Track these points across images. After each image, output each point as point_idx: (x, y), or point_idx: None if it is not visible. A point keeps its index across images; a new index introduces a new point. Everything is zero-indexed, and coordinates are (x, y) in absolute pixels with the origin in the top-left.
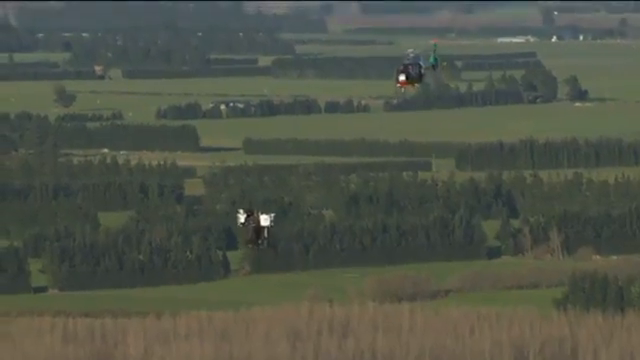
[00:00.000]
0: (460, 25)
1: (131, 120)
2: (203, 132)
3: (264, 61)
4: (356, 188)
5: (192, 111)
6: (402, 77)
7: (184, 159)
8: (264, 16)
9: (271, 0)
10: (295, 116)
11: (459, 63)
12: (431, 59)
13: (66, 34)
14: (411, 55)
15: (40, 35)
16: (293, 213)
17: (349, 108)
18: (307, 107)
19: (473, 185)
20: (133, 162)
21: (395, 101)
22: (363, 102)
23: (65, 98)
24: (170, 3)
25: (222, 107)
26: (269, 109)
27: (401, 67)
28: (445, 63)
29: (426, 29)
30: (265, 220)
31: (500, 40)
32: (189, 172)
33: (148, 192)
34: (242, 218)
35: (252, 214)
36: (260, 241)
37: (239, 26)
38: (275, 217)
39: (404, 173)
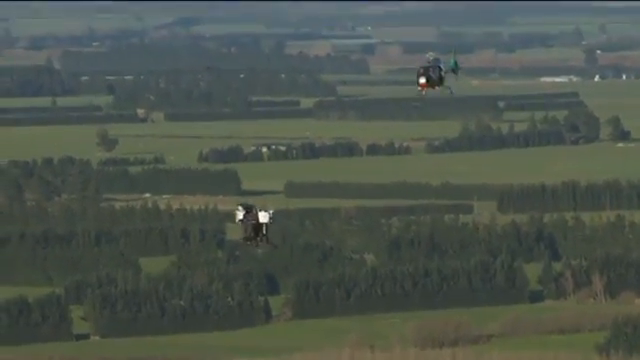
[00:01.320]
0: (502, 64)
1: (173, 164)
2: (245, 175)
3: (306, 103)
4: (397, 232)
5: (234, 154)
6: (422, 80)
7: (225, 203)
8: (306, 57)
9: (313, 40)
10: (337, 159)
11: (501, 103)
12: (451, 63)
13: (109, 77)
14: (431, 58)
15: (83, 78)
16: (334, 258)
17: (391, 150)
18: (349, 149)
19: (515, 228)
20: (174, 207)
21: (436, 143)
22: (405, 144)
23: (108, 142)
24: (212, 45)
25: (264, 150)
26: (311, 152)
27: (421, 70)
28: (461, 67)
29: (468, 69)
30: (264, 217)
31: (542, 80)
32: (230, 216)
33: (189, 237)
34: (240, 215)
35: (251, 210)
36: (259, 238)
37: (281, 67)
38: (273, 213)
39: (445, 216)
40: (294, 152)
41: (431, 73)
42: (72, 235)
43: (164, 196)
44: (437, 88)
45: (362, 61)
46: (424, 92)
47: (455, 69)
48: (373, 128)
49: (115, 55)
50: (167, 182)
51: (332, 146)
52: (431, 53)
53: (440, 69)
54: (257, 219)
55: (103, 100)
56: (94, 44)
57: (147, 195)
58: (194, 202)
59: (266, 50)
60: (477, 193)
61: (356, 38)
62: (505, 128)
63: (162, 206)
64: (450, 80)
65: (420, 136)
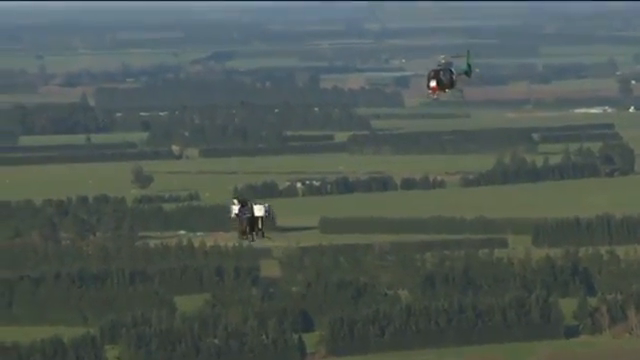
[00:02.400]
0: (536, 96)
1: (208, 201)
2: (279, 211)
3: (340, 137)
4: (432, 267)
5: (268, 190)
6: (433, 83)
7: (260, 240)
8: (340, 91)
9: (347, 73)
10: (371, 193)
11: (535, 136)
12: (464, 66)
13: (144, 113)
14: (443, 61)
15: (118, 115)
16: (368, 294)
17: (425, 184)
18: (383, 184)
19: (549, 263)
20: (209, 244)
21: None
22: (439, 178)
23: (142, 179)
24: (247, 79)
25: (298, 185)
26: (345, 186)
27: (432, 73)
28: (478, 69)
29: (502, 101)
30: (259, 210)
31: (577, 111)
32: (265, 253)
33: (224, 275)
34: (235, 209)
35: (246, 204)
36: (255, 232)
37: (315, 101)
38: (269, 207)
39: (480, 251)
40: (328, 187)
41: (442, 76)
42: (107, 274)
43: (198, 233)
44: (448, 91)
45: (396, 94)
46: (435, 95)
47: (468, 72)
48: (407, 162)
49: (150, 91)
50: (201, 219)
51: (366, 181)
52: (443, 56)
53: (451, 72)
54: (252, 213)
55: (138, 137)
56: (129, 80)
57: (182, 232)
58: (228, 239)
59: (300, 84)
60: (512, 227)
61: (390, 71)
62: (540, 161)
63: (196, 244)
64: (461, 83)
65: (455, 170)
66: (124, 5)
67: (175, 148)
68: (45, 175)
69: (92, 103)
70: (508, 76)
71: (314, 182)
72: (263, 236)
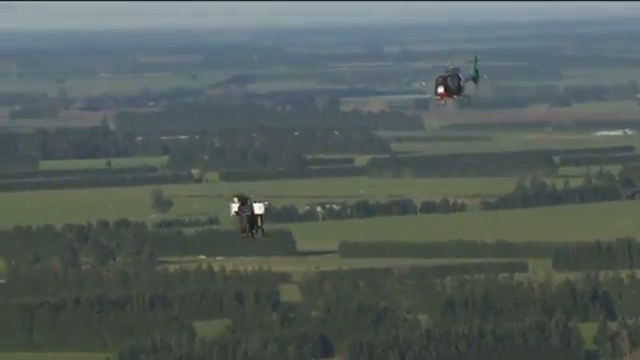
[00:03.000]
0: (557, 119)
1: (227, 224)
2: (299, 236)
3: (360, 160)
4: (451, 292)
5: (288, 214)
6: (440, 89)
7: (280, 264)
8: (360, 114)
9: (367, 96)
10: (391, 217)
11: (556, 158)
12: (472, 72)
13: (164, 137)
14: (450, 67)
15: (138, 139)
16: (388, 319)
17: (445, 208)
18: (403, 208)
19: (569, 287)
20: (229, 268)
21: (492, 200)
22: (459, 201)
23: (162, 203)
24: (267, 103)
25: (318, 209)
26: (365, 210)
27: (440, 79)
28: (486, 76)
29: (522, 123)
30: (259, 208)
31: (597, 134)
32: (285, 278)
33: (244, 300)
34: (235, 207)
35: (246, 202)
36: (254, 230)
37: (335, 125)
38: (268, 205)
39: (500, 275)
40: (348, 211)
41: (449, 82)
42: (126, 299)
43: (218, 258)
44: (456, 97)
45: (417, 117)
46: (443, 102)
47: (476, 78)
48: (427, 185)
49: (170, 115)
50: (221, 243)
51: (386, 204)
52: (449, 64)
53: (459, 78)
54: (252, 211)
55: (158, 161)
56: (149, 104)
57: (202, 257)
58: (248, 263)
59: (320, 107)
60: (532, 251)
61: (410, 93)
62: (560, 184)
63: (216, 268)
64: (469, 89)
65: (475, 193)
66: (144, 28)
67: (195, 172)
68: (66, 200)
69: (113, 127)
70: (528, 98)
71: (334, 206)
72: (263, 234)
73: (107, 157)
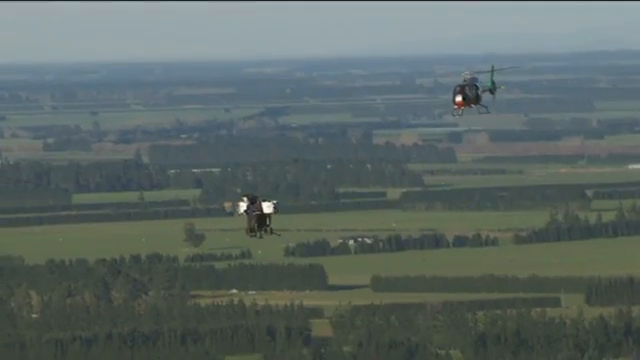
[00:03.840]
0: (590, 152)
1: (259, 259)
2: (331, 270)
3: (392, 193)
4: (484, 327)
5: (320, 248)
6: (459, 98)
7: (312, 298)
8: (392, 147)
9: (400, 129)
10: (423, 251)
11: (589, 192)
12: (488, 82)
13: (196, 170)
14: (468, 77)
15: (171, 172)
16: (420, 355)
17: (477, 242)
18: (435, 241)
19: (602, 322)
20: (260, 303)
21: (524, 233)
22: (492, 235)
23: (194, 237)
24: (300, 135)
25: (350, 243)
26: (397, 244)
27: (458, 88)
28: (503, 86)
29: (555, 156)
30: (268, 207)
31: (631, 167)
32: (316, 312)
33: (275, 335)
34: (244, 206)
35: (255, 201)
36: (264, 229)
37: (368, 157)
38: (277, 204)
39: (532, 310)
40: (380, 244)
41: (467, 91)
42: (158, 334)
43: (250, 292)
44: (473, 106)
45: (449, 150)
46: (461, 111)
47: (492, 89)
48: (460, 218)
49: (203, 148)
50: (253, 277)
51: (418, 238)
52: (467, 72)
53: (477, 87)
54: (261, 209)
55: (190, 194)
56: (182, 136)
57: (234, 291)
58: (280, 298)
59: (353, 140)
60: (564, 286)
61: (443, 126)
62: (593, 217)
63: (248, 303)
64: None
65: (507, 227)
66: (176, 61)
67: (227, 205)
68: (98, 233)
69: (146, 160)
70: (562, 131)
71: (366, 239)
72: (272, 232)
73: (140, 190)
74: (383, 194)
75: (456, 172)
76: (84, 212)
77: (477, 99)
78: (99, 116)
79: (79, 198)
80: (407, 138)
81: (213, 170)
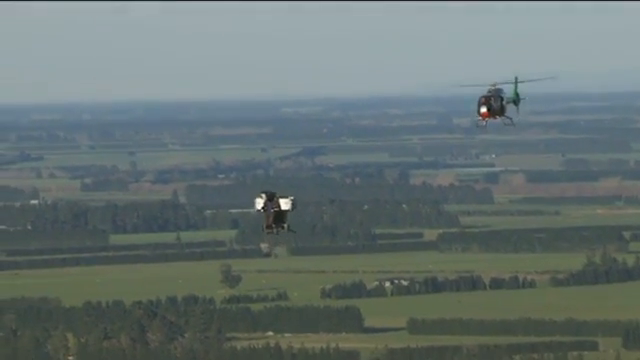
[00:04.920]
0: (628, 193)
1: (296, 301)
2: (367, 312)
3: (429, 234)
4: None
5: (357, 290)
6: (483, 109)
7: (348, 341)
8: (429, 187)
9: (436, 169)
10: (460, 293)
11: (627, 234)
12: (512, 94)
13: (233, 210)
14: (493, 88)
15: (208, 212)
16: None
17: (514, 284)
18: (471, 284)
19: None
20: (297, 346)
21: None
22: (529, 277)
23: (231, 279)
24: (337, 175)
25: (387, 285)
26: (433, 286)
27: (483, 99)
28: (525, 97)
29: (592, 197)
30: (286, 204)
31: None
32: (353, 355)
33: None
34: (261, 203)
35: (273, 198)
36: (282, 226)
37: (404, 198)
38: (295, 200)
39: (569, 354)
40: (417, 286)
41: (492, 102)
42: None
43: (286, 334)
44: (498, 118)
45: (486, 190)
46: (485, 122)
47: (516, 101)
48: (496, 260)
49: (240, 188)
50: (289, 320)
51: (455, 280)
52: (492, 83)
53: (502, 99)
54: (279, 206)
55: (227, 234)
56: (219, 176)
57: (270, 334)
58: (316, 341)
59: (390, 180)
60: (602, 329)
61: (480, 166)
62: (631, 260)
63: (284, 346)
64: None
65: (544, 269)
66: (212, 101)
67: (264, 246)
68: (135, 274)
69: (183, 200)
70: (599, 172)
71: (402, 281)
72: (289, 230)
73: (177, 230)
74: (419, 235)
75: (493, 213)
76: (121, 253)
77: (502, 110)
78: (136, 156)
79: (116, 239)
80: (444, 178)
81: (250, 211)
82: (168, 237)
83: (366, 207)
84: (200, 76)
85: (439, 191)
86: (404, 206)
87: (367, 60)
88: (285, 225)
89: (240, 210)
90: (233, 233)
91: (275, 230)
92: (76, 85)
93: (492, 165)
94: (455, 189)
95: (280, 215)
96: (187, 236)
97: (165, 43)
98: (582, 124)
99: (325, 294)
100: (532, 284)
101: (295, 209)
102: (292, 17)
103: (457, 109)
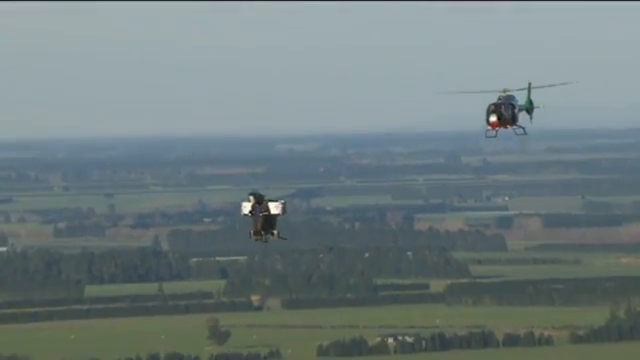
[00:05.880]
0: None
1: (290, 359)
2: None
3: (436, 286)
4: None
5: (357, 347)
6: (493, 118)
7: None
8: (436, 233)
9: (444, 213)
10: (470, 351)
11: None
12: (526, 101)
13: (220, 258)
14: (504, 95)
15: (193, 260)
16: None
17: (530, 341)
18: (483, 340)
19: None
20: None
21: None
22: (546, 333)
23: (218, 334)
24: (334, 220)
25: (390, 341)
26: (441, 343)
27: (492, 107)
28: (542, 105)
29: (616, 245)
30: (276, 208)
31: None
32: None
33: None
34: (249, 207)
35: (262, 201)
36: (272, 232)
37: (409, 245)
38: (285, 204)
39: None
40: (423, 343)
41: (503, 111)
42: None
43: None
44: (509, 127)
45: (498, 236)
46: (495, 132)
47: (530, 109)
48: (510, 314)
49: (228, 233)
50: None
51: (465, 336)
52: (503, 89)
53: (513, 107)
54: (269, 210)
55: (214, 285)
56: (205, 220)
57: None
58: None
59: (393, 225)
60: None
61: (492, 210)
62: None
63: None
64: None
65: (563, 324)
66: (199, 137)
67: (255, 298)
68: (113, 330)
69: (165, 247)
70: (623, 216)
71: (407, 337)
72: (279, 237)
73: (158, 281)
74: (426, 286)
75: (506, 262)
76: (97, 306)
77: (513, 119)
78: (114, 198)
79: (92, 290)
80: (452, 223)
81: (239, 258)
82: (149, 288)
83: (367, 255)
84: (186, 110)
85: (447, 237)
86: (409, 254)
87: (367, 94)
88: (275, 232)
89: (228, 258)
90: (221, 284)
91: (264, 237)
92: (49, 120)
93: (505, 208)
94: (464, 235)
95: (270, 220)
96: (170, 287)
97: (148, 75)
98: (604, 163)
99: (322, 351)
100: (549, 341)
101: (285, 214)
102: (287, 45)
103: (466, 146)
